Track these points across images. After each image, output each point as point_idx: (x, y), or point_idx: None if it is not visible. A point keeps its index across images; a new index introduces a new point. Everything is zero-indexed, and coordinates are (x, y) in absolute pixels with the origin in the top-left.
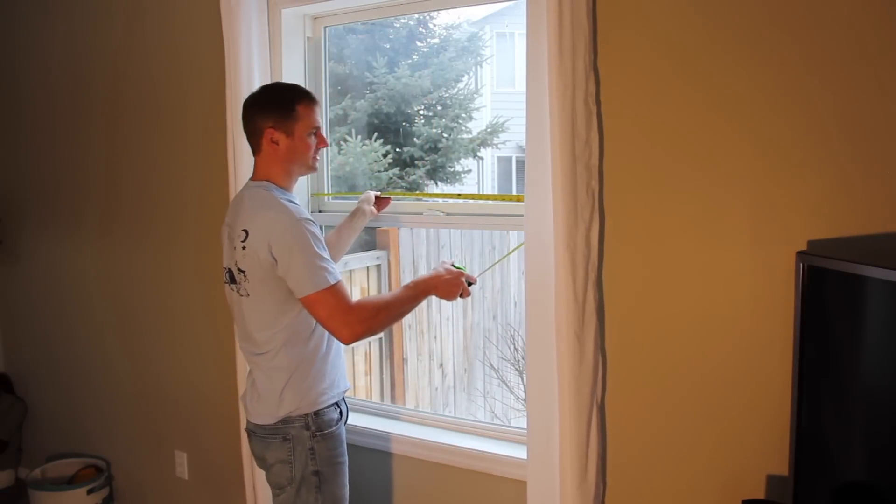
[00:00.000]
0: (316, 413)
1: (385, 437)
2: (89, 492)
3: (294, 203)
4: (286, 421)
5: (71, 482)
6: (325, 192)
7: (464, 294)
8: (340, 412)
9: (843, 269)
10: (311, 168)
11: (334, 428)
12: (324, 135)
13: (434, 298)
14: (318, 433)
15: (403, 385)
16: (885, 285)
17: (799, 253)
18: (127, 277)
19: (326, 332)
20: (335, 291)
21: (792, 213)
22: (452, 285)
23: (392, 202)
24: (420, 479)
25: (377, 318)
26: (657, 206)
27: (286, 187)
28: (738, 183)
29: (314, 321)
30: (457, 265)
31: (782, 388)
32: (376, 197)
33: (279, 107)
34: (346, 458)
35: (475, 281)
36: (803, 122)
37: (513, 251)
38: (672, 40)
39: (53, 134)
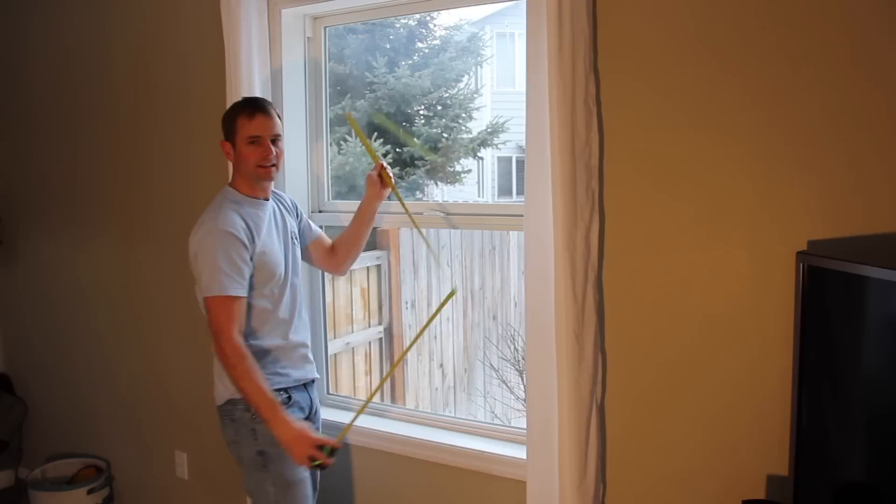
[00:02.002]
0: None
1: (385, 437)
2: (89, 492)
3: (238, 210)
4: (232, 403)
5: (71, 482)
6: (325, 191)
7: (322, 464)
8: (289, 398)
9: (843, 269)
10: (258, 174)
11: None
12: (270, 143)
13: (435, 301)
14: (256, 416)
15: (403, 385)
16: (885, 285)
17: (799, 253)
18: (127, 278)
19: (277, 327)
20: (222, 302)
21: (792, 213)
22: (295, 446)
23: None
24: (420, 479)
25: (234, 367)
26: (657, 206)
27: (247, 192)
28: (738, 183)
29: (264, 315)
30: (326, 450)
31: (782, 388)
32: (378, 174)
33: (225, 122)
34: None
35: (329, 464)
36: (803, 123)
37: (435, 314)
38: (672, 40)
39: (55, 135)
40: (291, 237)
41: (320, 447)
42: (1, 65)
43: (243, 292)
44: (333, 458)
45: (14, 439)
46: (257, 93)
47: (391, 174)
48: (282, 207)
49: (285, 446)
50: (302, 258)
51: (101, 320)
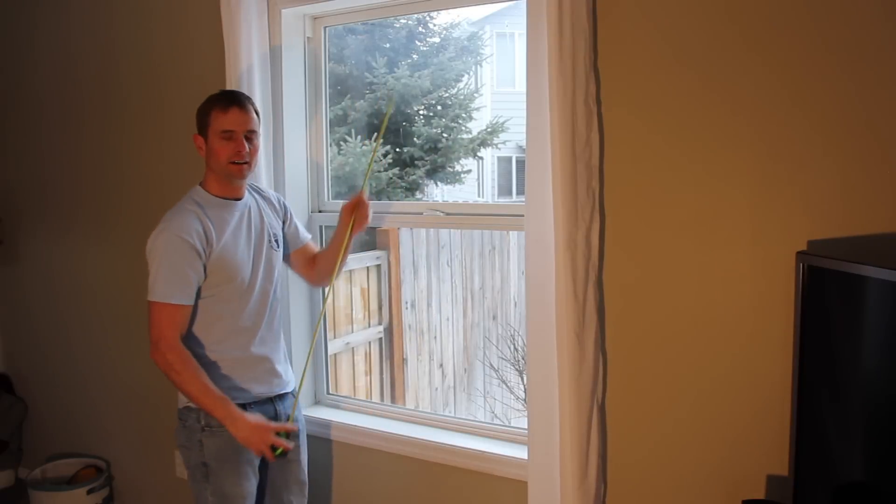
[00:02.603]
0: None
1: (385, 437)
2: (89, 492)
3: (198, 212)
4: (187, 409)
5: (71, 482)
6: (325, 191)
7: (269, 456)
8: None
9: (843, 269)
10: (230, 172)
11: (226, 429)
12: (243, 139)
13: (435, 301)
14: (206, 428)
15: (403, 385)
16: (885, 285)
17: (799, 253)
18: (126, 277)
19: (236, 337)
20: (163, 309)
21: (792, 213)
22: (253, 438)
23: (382, 204)
24: (420, 479)
25: (178, 373)
26: (657, 205)
27: (216, 192)
28: (738, 183)
29: (222, 321)
30: (283, 435)
31: (782, 388)
32: (352, 203)
33: (199, 115)
34: (245, 459)
35: (289, 448)
36: (803, 123)
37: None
38: (672, 40)
39: (54, 134)
40: (269, 240)
41: (277, 434)
42: (4, 64)
43: (187, 301)
44: (292, 442)
45: (14, 439)
46: (257, 92)
47: (367, 214)
48: (263, 207)
49: (243, 442)
50: (285, 263)
51: (101, 320)
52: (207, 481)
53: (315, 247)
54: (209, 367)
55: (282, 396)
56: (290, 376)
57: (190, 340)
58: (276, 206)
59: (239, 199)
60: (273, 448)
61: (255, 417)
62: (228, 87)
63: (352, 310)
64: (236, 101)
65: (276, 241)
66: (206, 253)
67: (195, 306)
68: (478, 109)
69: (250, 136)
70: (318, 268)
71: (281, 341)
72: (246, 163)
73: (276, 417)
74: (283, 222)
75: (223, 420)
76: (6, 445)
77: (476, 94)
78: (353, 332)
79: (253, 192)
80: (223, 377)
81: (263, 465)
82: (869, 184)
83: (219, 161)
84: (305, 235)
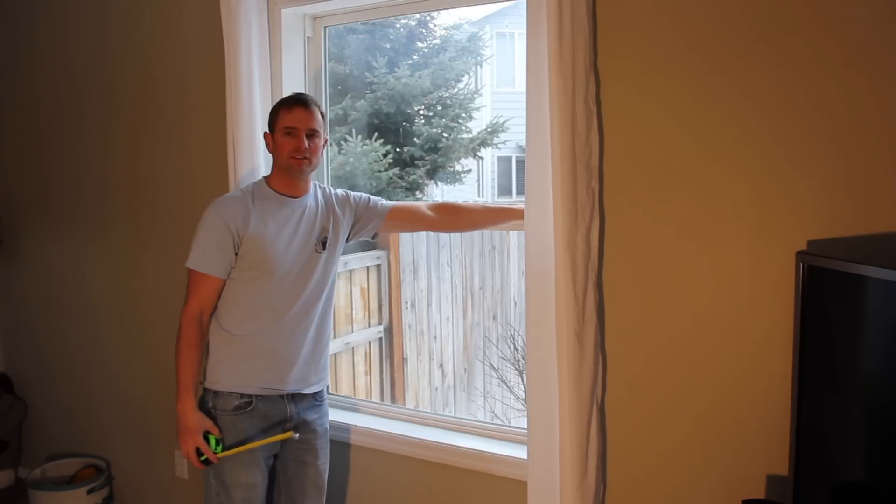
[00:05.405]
0: (216, 392)
1: (385, 437)
2: (89, 492)
3: (248, 200)
4: (205, 392)
5: (71, 482)
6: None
7: (193, 460)
8: (248, 403)
9: (842, 269)
10: (290, 166)
11: (229, 414)
12: (304, 136)
13: (435, 301)
14: (213, 410)
15: (403, 385)
16: (885, 285)
17: (799, 253)
18: (127, 277)
19: (257, 324)
20: (192, 275)
21: (792, 213)
22: (184, 438)
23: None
24: (420, 479)
25: (178, 339)
26: (657, 205)
27: (278, 187)
28: (738, 183)
29: (242, 305)
30: (211, 436)
31: (782, 388)
32: None
33: (271, 113)
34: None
35: (215, 460)
36: (803, 122)
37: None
38: (672, 40)
39: (54, 134)
40: (316, 242)
41: (207, 441)
42: (4, 65)
43: (210, 271)
44: (218, 459)
45: (14, 439)
46: (257, 92)
47: None
48: (322, 210)
49: (180, 432)
50: (391, 231)
51: (101, 320)
52: (211, 464)
53: (409, 205)
54: (224, 346)
55: (299, 397)
56: (318, 380)
57: (224, 314)
58: (343, 204)
59: (296, 198)
60: (199, 453)
61: (197, 420)
62: (228, 87)
63: (352, 310)
64: (301, 100)
65: (324, 243)
66: (238, 235)
67: (225, 285)
68: (478, 109)
69: (312, 134)
70: (449, 218)
71: (319, 343)
72: (306, 158)
73: (286, 418)
74: (356, 212)
75: (177, 404)
76: (6, 445)
77: (476, 94)
78: (353, 331)
79: (319, 196)
80: (250, 359)
81: (281, 466)
82: (869, 184)
83: (281, 155)
84: (385, 204)
